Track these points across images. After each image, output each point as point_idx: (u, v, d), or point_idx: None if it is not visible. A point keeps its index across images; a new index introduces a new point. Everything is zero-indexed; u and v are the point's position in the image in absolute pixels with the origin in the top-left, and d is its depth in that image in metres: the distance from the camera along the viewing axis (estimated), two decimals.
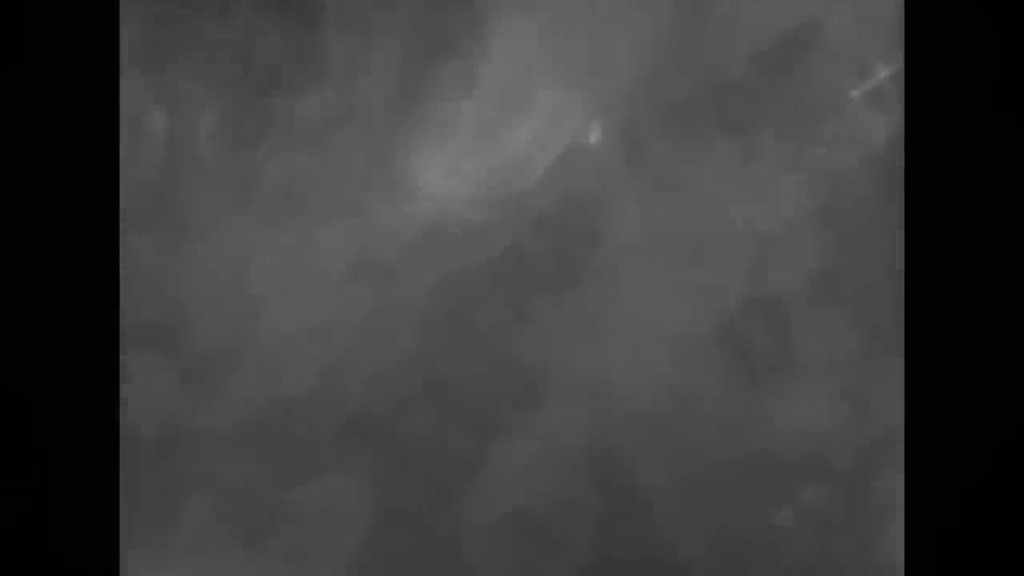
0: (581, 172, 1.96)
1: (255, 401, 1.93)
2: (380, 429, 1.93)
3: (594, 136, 1.92)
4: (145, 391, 1.93)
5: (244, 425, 1.92)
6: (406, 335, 1.95)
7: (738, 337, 1.94)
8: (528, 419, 1.93)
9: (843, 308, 1.94)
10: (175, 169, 1.99)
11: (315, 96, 1.98)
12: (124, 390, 1.92)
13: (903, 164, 1.91)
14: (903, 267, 1.79)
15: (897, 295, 1.93)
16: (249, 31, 1.98)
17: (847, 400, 1.92)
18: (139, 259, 1.97)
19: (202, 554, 1.89)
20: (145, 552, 1.88)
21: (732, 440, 1.92)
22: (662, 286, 1.95)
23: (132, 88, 2.00)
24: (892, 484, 1.91)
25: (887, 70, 1.94)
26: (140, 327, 1.95)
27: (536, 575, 1.88)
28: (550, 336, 1.95)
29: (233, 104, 1.99)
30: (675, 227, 1.95)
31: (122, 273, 1.95)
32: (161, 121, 2.00)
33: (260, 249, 1.96)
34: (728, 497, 1.90)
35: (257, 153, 1.99)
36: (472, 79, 1.97)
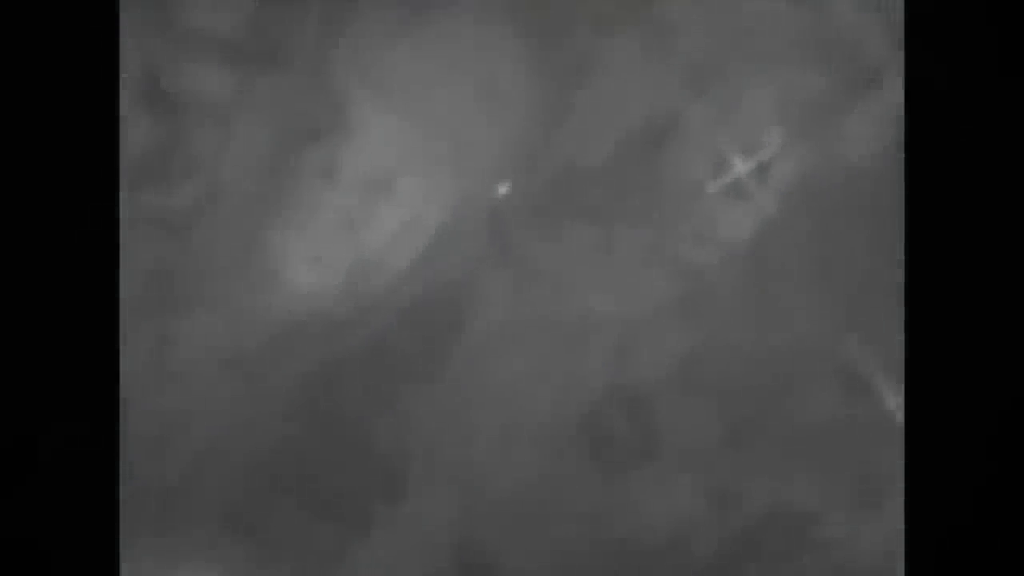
0: (444, 262, 1.97)
1: (121, 493, 1.90)
2: (244, 521, 1.91)
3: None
4: None
5: None
6: (269, 427, 1.94)
7: (601, 426, 1.94)
8: (392, 511, 1.92)
9: (705, 398, 1.95)
10: None
11: (178, 187, 1.98)
12: None
13: (784, 241, 1.94)
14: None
15: (758, 387, 1.95)
16: None
17: (710, 490, 1.93)
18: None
19: None
20: None
21: (596, 530, 1.93)
22: (525, 375, 1.95)
23: None
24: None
25: (746, 165, 1.98)
26: None
27: None
28: (414, 427, 1.94)
29: None
30: (538, 315, 1.96)
31: None
32: None
33: (124, 340, 1.95)
34: None
35: (121, 244, 1.98)
36: (335, 168, 1.98)
